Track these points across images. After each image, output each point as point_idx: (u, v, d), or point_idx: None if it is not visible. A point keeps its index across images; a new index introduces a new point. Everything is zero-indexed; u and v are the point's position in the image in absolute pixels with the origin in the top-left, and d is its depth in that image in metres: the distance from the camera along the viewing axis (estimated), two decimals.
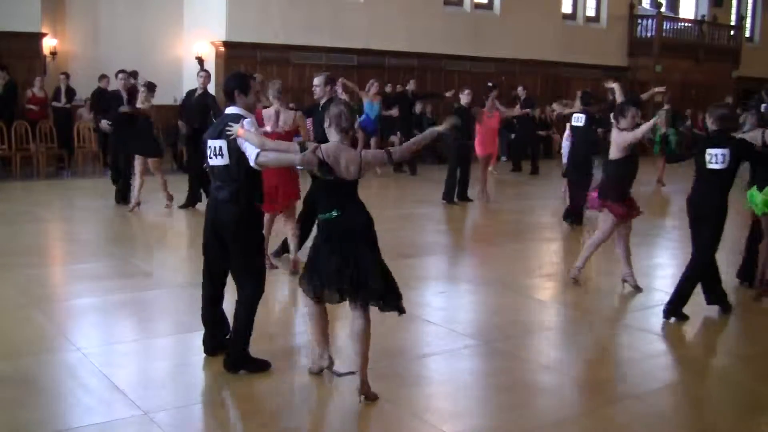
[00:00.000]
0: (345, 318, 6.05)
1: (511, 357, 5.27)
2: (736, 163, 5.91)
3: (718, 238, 6.03)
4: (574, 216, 10.18)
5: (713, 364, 5.44)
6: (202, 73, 10.28)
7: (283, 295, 6.77)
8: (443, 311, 6.36)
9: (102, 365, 4.79)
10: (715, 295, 6.33)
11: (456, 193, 11.83)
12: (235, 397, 4.49)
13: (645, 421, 4.36)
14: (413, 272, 7.56)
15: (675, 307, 6.08)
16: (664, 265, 8.20)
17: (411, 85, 16.17)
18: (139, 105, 10.21)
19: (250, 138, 4.50)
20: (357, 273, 4.25)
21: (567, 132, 11.60)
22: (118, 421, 4.09)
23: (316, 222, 4.56)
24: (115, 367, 4.83)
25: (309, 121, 7.24)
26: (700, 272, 6.12)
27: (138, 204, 10.18)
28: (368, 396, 4.35)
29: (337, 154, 4.31)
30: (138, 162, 10.14)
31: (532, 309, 6.62)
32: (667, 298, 6.66)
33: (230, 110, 4.74)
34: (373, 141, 14.73)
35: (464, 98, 11.64)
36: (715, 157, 5.88)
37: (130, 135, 10.27)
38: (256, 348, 4.81)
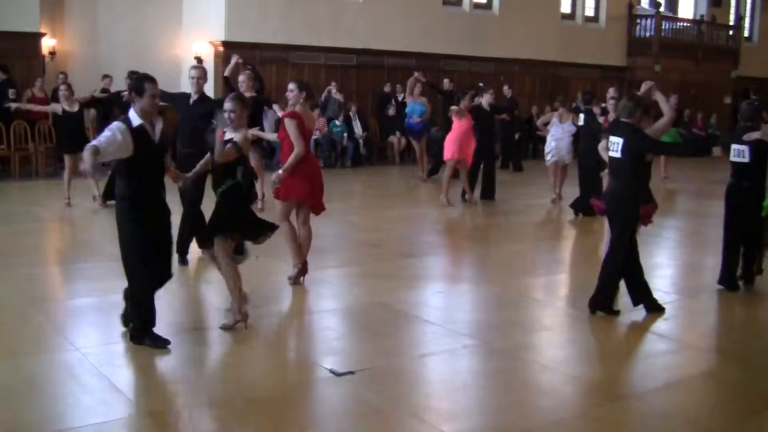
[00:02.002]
0: (346, 316, 6.06)
1: (510, 356, 5.27)
2: (632, 154, 5.92)
3: (627, 233, 6.04)
4: (582, 207, 10.36)
5: (713, 363, 5.44)
6: (194, 72, 7.53)
7: (291, 297, 6.77)
8: (442, 311, 6.36)
9: (101, 365, 4.78)
10: (641, 295, 6.23)
11: (481, 192, 12.03)
12: (236, 396, 4.49)
13: (644, 420, 4.36)
14: (412, 272, 7.57)
15: (597, 301, 6.12)
16: (662, 265, 8.20)
17: (447, 85, 15.60)
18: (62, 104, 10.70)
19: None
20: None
21: (564, 130, 11.71)
22: (118, 421, 4.08)
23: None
24: (114, 367, 4.83)
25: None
26: (612, 270, 6.10)
27: (67, 200, 10.46)
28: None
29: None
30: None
31: (531, 308, 6.62)
32: (666, 297, 6.68)
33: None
34: (416, 144, 14.71)
35: (486, 99, 12.05)
36: (612, 145, 6.02)
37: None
38: (269, 350, 4.80)
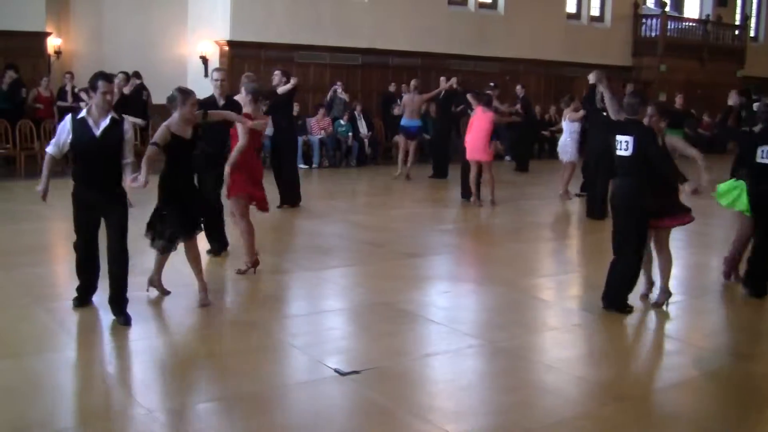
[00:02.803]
0: (358, 316, 6.06)
1: (515, 357, 5.26)
2: (644, 153, 5.90)
3: (637, 233, 6.03)
4: (598, 210, 10.26)
5: (714, 363, 5.42)
6: (218, 75, 7.53)
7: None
8: (447, 311, 6.35)
9: (105, 364, 4.80)
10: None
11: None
12: (239, 395, 4.49)
13: (649, 421, 4.35)
14: (417, 272, 7.57)
15: (608, 298, 6.17)
16: None
17: (443, 83, 14.74)
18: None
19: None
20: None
21: (566, 129, 11.75)
22: (120, 421, 4.09)
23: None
24: (117, 367, 4.83)
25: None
26: (623, 269, 6.09)
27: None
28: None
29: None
30: None
31: (535, 309, 6.61)
32: (670, 297, 6.65)
33: None
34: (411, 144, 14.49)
35: None
36: (621, 144, 6.00)
37: None
38: (273, 349, 4.79)
